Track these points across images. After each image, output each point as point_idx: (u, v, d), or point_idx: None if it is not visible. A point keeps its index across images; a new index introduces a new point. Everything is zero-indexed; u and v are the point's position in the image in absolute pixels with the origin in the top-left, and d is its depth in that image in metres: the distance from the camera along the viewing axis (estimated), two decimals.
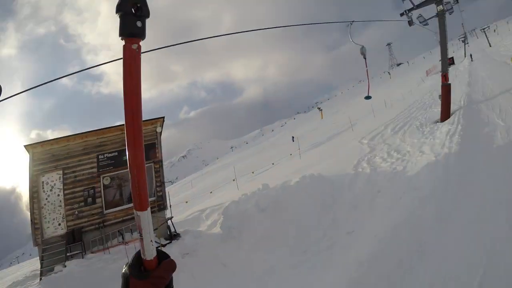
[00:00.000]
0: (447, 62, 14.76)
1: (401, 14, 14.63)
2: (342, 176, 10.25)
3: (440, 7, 14.08)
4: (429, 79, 47.58)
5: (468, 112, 13.01)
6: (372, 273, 4.67)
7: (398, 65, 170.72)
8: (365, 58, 9.05)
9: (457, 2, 14.87)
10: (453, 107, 14.53)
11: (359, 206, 7.73)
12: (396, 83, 74.75)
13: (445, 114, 13.79)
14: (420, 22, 14.85)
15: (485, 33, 69.47)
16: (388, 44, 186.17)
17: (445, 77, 14.32)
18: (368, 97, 9.45)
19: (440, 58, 14.98)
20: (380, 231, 5.84)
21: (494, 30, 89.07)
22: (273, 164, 26.77)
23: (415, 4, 14.36)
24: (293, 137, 51.90)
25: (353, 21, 8.83)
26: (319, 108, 66.36)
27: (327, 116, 68.17)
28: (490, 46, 58.90)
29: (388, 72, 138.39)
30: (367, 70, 9.39)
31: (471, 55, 51.03)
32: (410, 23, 14.43)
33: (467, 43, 56.36)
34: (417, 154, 9.81)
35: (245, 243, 8.26)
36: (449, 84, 14.35)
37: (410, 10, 14.38)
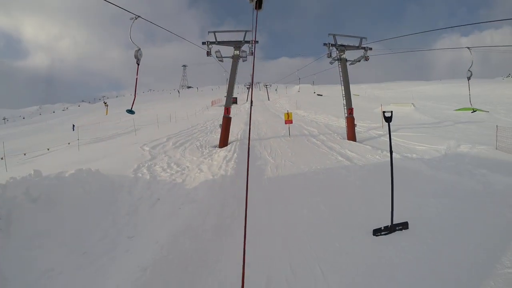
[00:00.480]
0: (231, 100, 16.63)
1: (203, 43, 15.61)
2: (122, 177, 9.31)
3: (237, 52, 15.88)
4: (213, 109, 53.26)
5: (243, 144, 14.95)
6: (156, 279, 4.47)
7: (189, 87, 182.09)
8: (138, 64, 8.66)
9: (252, 54, 16.35)
10: (231, 137, 16.26)
11: (139, 211, 7.09)
12: (183, 103, 79.60)
13: (224, 142, 15.21)
14: (217, 57, 16.37)
15: (266, 88, 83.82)
16: (184, 66, 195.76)
17: (227, 110, 15.86)
18: (130, 111, 9.00)
19: (226, 94, 16.96)
20: (161, 237, 5.52)
21: (276, 89, 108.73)
22: (48, 149, 23.24)
23: (217, 42, 15.65)
24: (73, 126, 48.87)
25: (138, 16, 8.50)
26: (105, 103, 61.89)
27: (113, 114, 65.22)
28: (269, 100, 71.39)
29: (178, 91, 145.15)
30: (136, 78, 8.97)
31: (251, 101, 60.12)
32: (208, 53, 15.56)
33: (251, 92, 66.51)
34: (196, 170, 10.14)
35: (15, 238, 6.08)
36: (230, 118, 15.99)
37: (211, 43, 15.46)
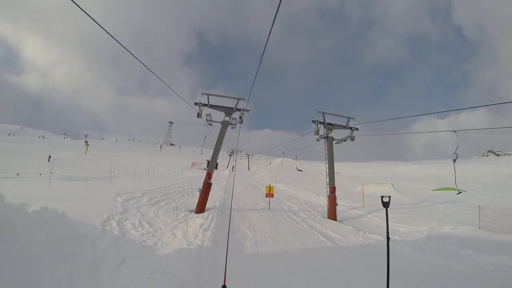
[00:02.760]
0: (215, 165, 16.44)
1: (195, 103, 15.91)
2: (89, 227, 8.67)
3: (227, 118, 16.08)
4: (193, 170, 52.97)
5: (222, 213, 14.48)
6: None
7: (171, 145, 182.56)
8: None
9: (241, 123, 16.52)
10: (209, 204, 15.85)
11: (101, 270, 6.35)
12: (164, 159, 79.20)
13: (201, 207, 14.76)
14: (206, 120, 16.42)
15: (248, 158, 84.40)
16: (170, 122, 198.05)
17: (209, 175, 15.58)
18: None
19: (208, 158, 17.06)
20: None
21: (257, 160, 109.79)
22: (18, 175, 22.57)
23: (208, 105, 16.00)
24: (50, 156, 48.31)
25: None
26: (86, 142, 61.44)
27: (92, 155, 64.42)
28: (249, 169, 71.65)
29: (160, 146, 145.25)
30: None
31: (233, 167, 60.89)
32: (199, 115, 15.76)
33: (234, 160, 66.80)
34: (169, 235, 9.60)
35: None
36: (211, 183, 15.69)
37: (203, 105, 15.82)
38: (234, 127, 16.59)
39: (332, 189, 17.02)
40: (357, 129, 17.73)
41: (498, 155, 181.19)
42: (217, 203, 17.69)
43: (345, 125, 17.68)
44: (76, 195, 14.63)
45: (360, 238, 11.98)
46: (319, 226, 14.04)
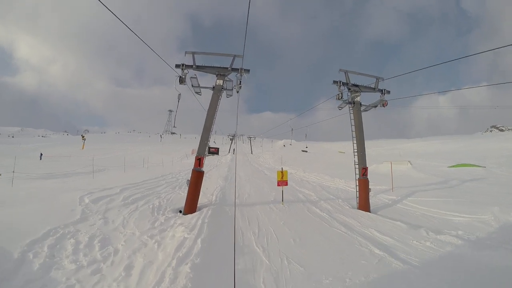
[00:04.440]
0: (206, 147, 12.06)
1: (177, 65, 11.45)
2: (4, 252, 5.48)
3: (220, 81, 11.80)
4: (193, 158, 48.75)
5: (218, 215, 10.49)
6: None
7: (172, 133, 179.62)
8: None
9: (240, 87, 12.37)
10: (203, 198, 12.30)
11: None
12: (164, 148, 76.29)
13: (191, 206, 10.88)
14: (193, 86, 12.16)
15: (250, 141, 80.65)
16: (170, 111, 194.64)
17: (199, 161, 11.45)
18: None
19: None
20: None
21: (260, 143, 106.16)
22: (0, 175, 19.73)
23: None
24: (41, 154, 49.26)
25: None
26: (83, 137, 58.83)
27: (89, 149, 63.31)
28: (252, 153, 68.28)
29: (160, 135, 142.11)
30: None
31: (234, 150, 58.42)
32: (182, 80, 11.28)
33: (235, 142, 62.99)
34: (122, 268, 5.74)
35: None
36: (202, 172, 11.61)
37: (188, 66, 11.47)
38: (231, 95, 12.54)
39: (363, 170, 12.87)
40: (388, 92, 13.36)
41: (502, 130, 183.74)
42: (214, 197, 13.84)
43: (373, 86, 13.38)
44: (36, 196, 11.08)
45: (428, 243, 7.85)
46: (357, 224, 10.05)
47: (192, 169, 11.44)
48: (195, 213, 10.31)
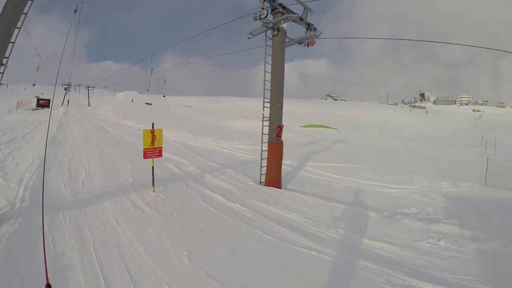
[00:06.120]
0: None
1: None
2: None
3: None
4: (17, 113, 35.35)
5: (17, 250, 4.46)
6: None
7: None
8: None
9: None
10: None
11: None
12: None
13: None
14: None
15: (88, 91, 67.94)
16: None
17: None
18: None
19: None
20: None
21: (100, 95, 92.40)
22: None
23: None
24: None
25: None
26: None
27: None
28: (89, 106, 57.75)
29: None
30: None
31: (68, 101, 49.91)
32: None
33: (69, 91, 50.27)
34: None
35: None
36: None
37: None
38: None
39: (278, 130, 8.82)
40: (315, 28, 9.01)
41: (335, 99, 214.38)
42: (22, 187, 7.20)
43: (300, 15, 8.85)
44: None
45: (424, 243, 5.51)
46: (298, 217, 6.33)
47: None
48: None
